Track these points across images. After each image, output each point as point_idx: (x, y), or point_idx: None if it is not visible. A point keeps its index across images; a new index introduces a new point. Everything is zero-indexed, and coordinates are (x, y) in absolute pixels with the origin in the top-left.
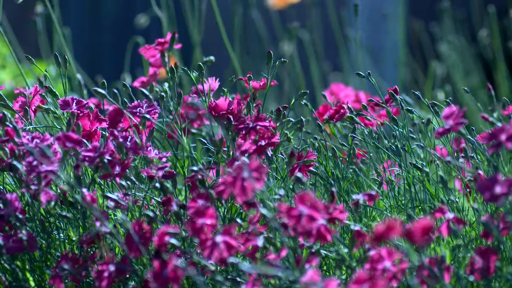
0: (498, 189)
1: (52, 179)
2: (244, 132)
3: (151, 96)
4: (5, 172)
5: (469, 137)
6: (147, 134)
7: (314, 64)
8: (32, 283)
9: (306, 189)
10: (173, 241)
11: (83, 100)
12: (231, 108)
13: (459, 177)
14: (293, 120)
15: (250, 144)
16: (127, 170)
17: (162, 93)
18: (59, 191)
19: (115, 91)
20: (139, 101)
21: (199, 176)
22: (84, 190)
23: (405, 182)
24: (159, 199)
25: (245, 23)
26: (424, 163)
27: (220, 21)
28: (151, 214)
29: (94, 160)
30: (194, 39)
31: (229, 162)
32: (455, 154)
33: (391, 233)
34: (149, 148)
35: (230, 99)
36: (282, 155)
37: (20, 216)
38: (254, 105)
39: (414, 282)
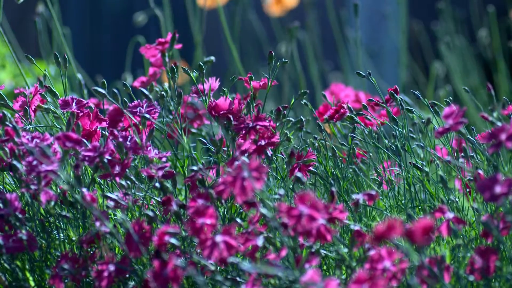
0: (498, 189)
1: (52, 179)
2: (244, 132)
3: (151, 96)
4: (5, 172)
5: (469, 136)
6: (147, 133)
7: (314, 64)
8: (32, 283)
9: (306, 189)
10: (173, 241)
11: (83, 100)
12: (231, 108)
13: (459, 177)
14: (293, 120)
15: (250, 143)
16: (127, 170)
17: (162, 93)
18: (59, 191)
19: (115, 90)
20: (139, 100)
21: (199, 176)
22: (84, 189)
23: (405, 182)
24: (159, 199)
25: (244, 24)
26: (424, 163)
27: (224, 20)
28: (151, 213)
29: (94, 159)
30: (195, 39)
31: (229, 162)
32: (455, 154)
33: (391, 233)
34: (149, 148)
35: (230, 99)
36: (282, 155)
37: (20, 216)
38: (254, 105)
39: (414, 282)
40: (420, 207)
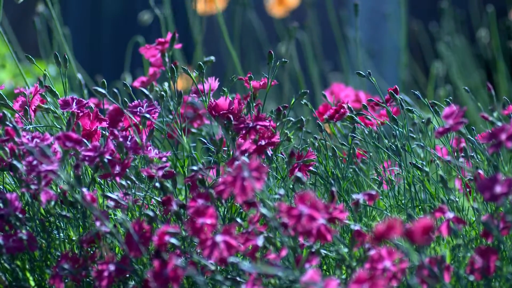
0: (498, 189)
1: (52, 179)
2: (244, 131)
3: (151, 96)
4: (5, 172)
5: (469, 136)
6: (147, 133)
7: (314, 64)
8: (32, 283)
9: (306, 189)
10: (173, 240)
11: (83, 100)
12: (231, 108)
13: (459, 176)
14: (293, 119)
15: (250, 143)
16: (127, 170)
17: (162, 93)
18: (59, 190)
19: (115, 90)
20: (139, 100)
21: (199, 176)
22: (84, 189)
23: (405, 181)
24: (159, 199)
25: (244, 24)
26: (424, 163)
27: (221, 20)
28: (151, 213)
29: (94, 159)
30: (195, 39)
31: (229, 162)
32: (455, 154)
33: (391, 232)
34: (149, 148)
35: (230, 98)
36: (282, 155)
37: (20, 215)
38: (254, 104)
39: (414, 282)
40: (420, 207)
